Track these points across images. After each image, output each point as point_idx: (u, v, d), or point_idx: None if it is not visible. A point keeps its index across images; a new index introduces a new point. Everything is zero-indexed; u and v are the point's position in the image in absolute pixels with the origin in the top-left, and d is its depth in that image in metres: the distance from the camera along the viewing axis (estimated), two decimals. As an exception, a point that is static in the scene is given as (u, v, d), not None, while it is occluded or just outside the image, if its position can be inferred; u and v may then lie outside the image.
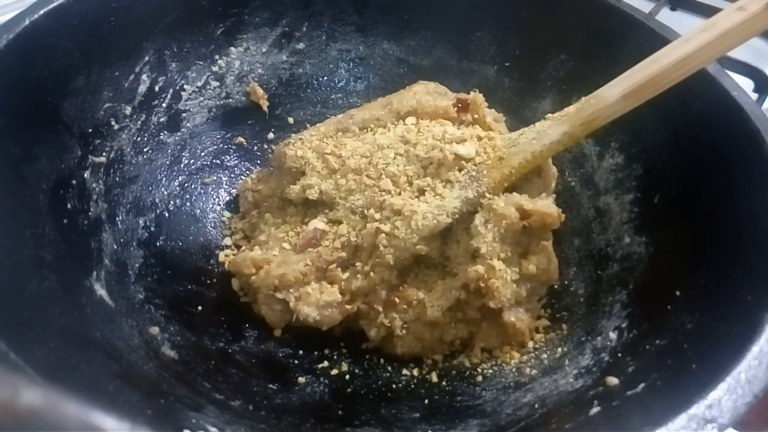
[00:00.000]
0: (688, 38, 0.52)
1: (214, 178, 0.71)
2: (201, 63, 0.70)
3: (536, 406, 0.51)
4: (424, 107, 0.68)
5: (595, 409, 0.45)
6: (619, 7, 0.67)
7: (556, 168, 0.65)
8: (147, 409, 0.42)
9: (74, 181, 0.56)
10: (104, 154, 0.60)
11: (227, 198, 0.72)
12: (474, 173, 0.60)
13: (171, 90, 0.68)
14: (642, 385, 0.45)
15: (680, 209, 0.58)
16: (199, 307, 0.60)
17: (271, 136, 0.76)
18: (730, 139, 0.54)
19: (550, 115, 0.59)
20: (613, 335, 0.54)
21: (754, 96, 0.89)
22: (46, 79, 0.54)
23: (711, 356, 0.42)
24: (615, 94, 0.54)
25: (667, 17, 1.05)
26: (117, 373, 0.46)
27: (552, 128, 0.58)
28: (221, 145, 0.73)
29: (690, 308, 0.49)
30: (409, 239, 0.58)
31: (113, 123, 0.62)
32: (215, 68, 0.72)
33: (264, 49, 0.75)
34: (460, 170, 0.60)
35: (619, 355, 0.51)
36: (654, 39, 0.61)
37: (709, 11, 1.04)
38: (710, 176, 0.56)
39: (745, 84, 0.89)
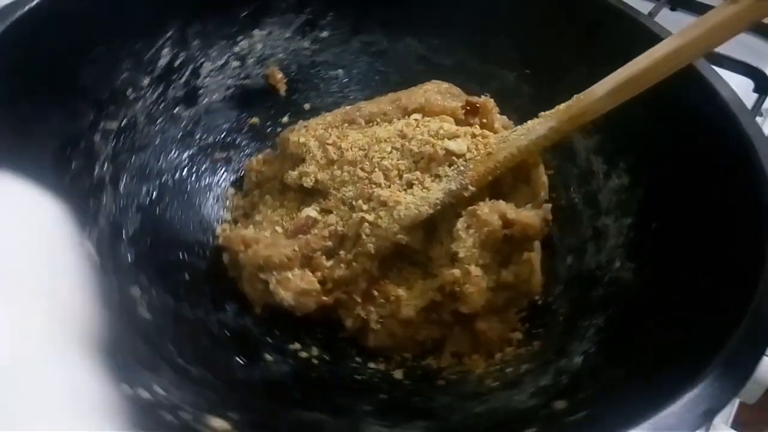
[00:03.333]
0: (680, 33, 0.51)
1: (224, 155, 0.74)
2: (223, 42, 0.72)
3: (485, 417, 0.50)
4: (432, 106, 0.67)
5: (532, 430, 0.44)
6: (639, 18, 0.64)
7: (559, 182, 0.63)
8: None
9: (83, 143, 0.59)
10: (117, 120, 0.63)
11: (233, 176, 0.74)
12: (462, 168, 0.59)
13: (191, 66, 0.70)
14: (584, 412, 0.43)
15: (675, 241, 0.55)
16: (187, 276, 0.63)
17: (285, 120, 0.77)
18: (742, 179, 0.51)
19: (542, 113, 0.58)
20: (578, 359, 0.52)
21: (754, 96, 0.86)
22: (67, 47, 0.57)
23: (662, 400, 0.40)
24: (604, 89, 0.54)
25: (667, 17, 1.01)
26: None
27: (540, 124, 0.58)
28: (234, 124, 0.75)
29: (658, 345, 0.47)
30: (391, 228, 0.58)
31: (130, 92, 0.64)
32: (237, 49, 0.73)
33: (287, 35, 0.76)
34: (450, 166, 0.60)
35: (577, 379, 0.50)
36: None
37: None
38: (713, 213, 0.53)
39: (745, 84, 0.87)
